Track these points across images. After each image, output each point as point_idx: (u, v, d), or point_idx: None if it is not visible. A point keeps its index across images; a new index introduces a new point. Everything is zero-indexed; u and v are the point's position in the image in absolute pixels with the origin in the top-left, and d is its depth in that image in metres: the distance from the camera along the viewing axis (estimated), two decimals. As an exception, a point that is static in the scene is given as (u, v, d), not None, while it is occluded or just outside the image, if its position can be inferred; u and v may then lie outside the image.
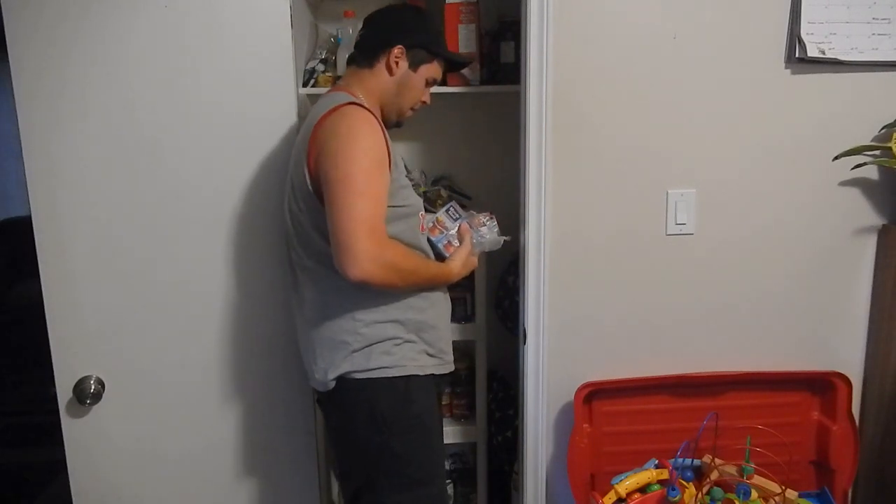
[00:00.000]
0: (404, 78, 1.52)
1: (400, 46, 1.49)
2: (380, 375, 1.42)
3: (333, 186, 1.33)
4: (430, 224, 1.58)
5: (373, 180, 1.34)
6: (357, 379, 1.42)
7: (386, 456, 1.44)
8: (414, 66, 1.53)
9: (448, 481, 2.20)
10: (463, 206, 2.12)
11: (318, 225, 1.40)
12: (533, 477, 1.74)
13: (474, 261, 1.58)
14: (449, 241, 1.56)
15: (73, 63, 1.54)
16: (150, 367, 1.68)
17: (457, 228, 1.58)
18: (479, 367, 2.09)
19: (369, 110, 1.42)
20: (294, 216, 1.47)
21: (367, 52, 1.51)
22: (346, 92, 1.48)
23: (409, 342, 1.46)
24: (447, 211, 1.59)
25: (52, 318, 1.62)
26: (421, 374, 1.47)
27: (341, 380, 1.44)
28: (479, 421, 2.13)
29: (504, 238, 1.62)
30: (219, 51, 1.59)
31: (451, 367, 1.56)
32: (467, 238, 1.56)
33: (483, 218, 1.62)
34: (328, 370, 1.44)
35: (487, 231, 1.60)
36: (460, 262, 1.52)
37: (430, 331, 1.49)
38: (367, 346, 1.42)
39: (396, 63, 1.50)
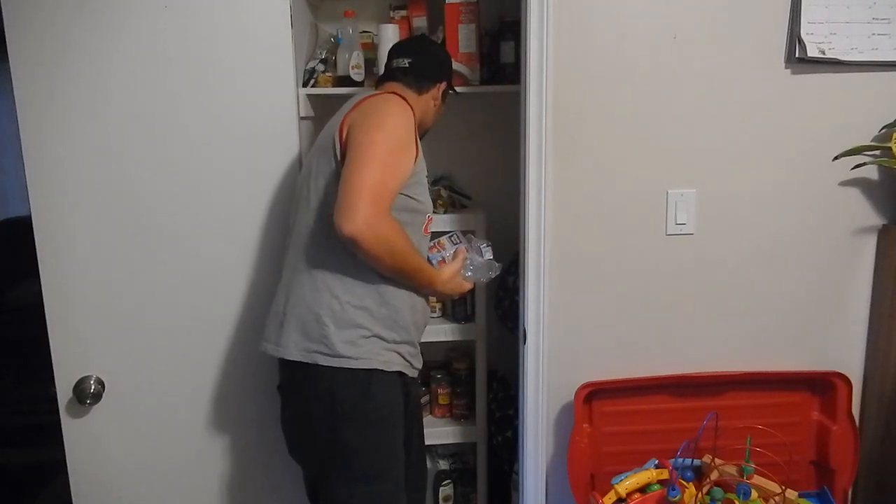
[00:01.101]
0: (438, 107, 1.73)
1: (445, 83, 1.71)
2: (342, 365, 1.42)
3: (355, 149, 1.38)
4: (432, 243, 1.64)
5: (393, 155, 1.40)
6: (321, 366, 1.42)
7: (340, 446, 1.44)
8: (444, 98, 1.74)
9: (448, 481, 2.21)
10: (463, 207, 2.14)
11: (333, 188, 1.41)
12: (533, 477, 1.74)
13: (465, 284, 1.60)
14: (444, 259, 1.62)
15: (73, 62, 1.54)
16: (150, 367, 1.69)
17: (453, 251, 1.63)
18: (479, 367, 2.09)
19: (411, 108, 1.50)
20: (308, 183, 1.49)
21: (419, 80, 1.64)
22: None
23: (377, 337, 1.45)
24: (449, 237, 1.66)
25: (52, 318, 1.62)
26: (386, 369, 1.46)
27: (304, 364, 1.44)
28: (479, 421, 2.13)
29: (497, 265, 1.66)
30: (219, 51, 1.59)
31: (416, 374, 1.58)
32: (460, 256, 1.61)
33: (481, 244, 1.67)
34: (293, 337, 1.44)
35: (481, 256, 1.64)
36: (448, 273, 1.55)
37: (401, 332, 1.49)
38: (336, 329, 1.42)
39: (440, 96, 1.70)
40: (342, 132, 1.43)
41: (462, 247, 1.64)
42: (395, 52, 1.69)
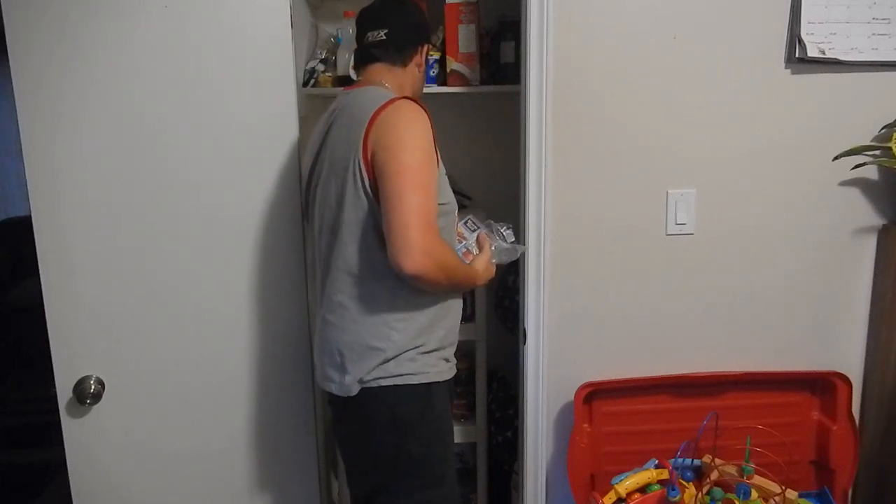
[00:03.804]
0: (423, 69, 1.63)
1: (427, 44, 1.61)
2: (404, 382, 1.41)
3: (391, 179, 1.32)
4: None
5: (428, 174, 1.35)
6: (382, 385, 1.41)
7: (404, 459, 1.43)
8: (426, 58, 1.65)
9: (450, 481, 2.21)
10: (463, 207, 2.13)
11: (370, 221, 1.38)
12: (533, 477, 1.74)
13: (493, 269, 1.57)
14: (468, 250, 1.57)
15: (73, 62, 1.54)
16: (150, 367, 1.68)
17: (475, 238, 1.57)
18: (479, 367, 2.09)
19: (420, 105, 1.43)
20: (337, 213, 1.43)
21: (402, 51, 1.55)
22: (384, 88, 1.49)
23: (434, 350, 1.45)
24: (465, 223, 1.60)
25: (52, 318, 1.62)
26: (440, 379, 1.46)
27: (366, 386, 1.43)
28: (479, 421, 2.13)
29: (521, 247, 1.62)
30: (219, 50, 1.59)
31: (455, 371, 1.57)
32: (486, 245, 1.55)
33: (501, 227, 1.61)
34: (357, 376, 1.42)
35: (504, 240, 1.60)
36: (482, 266, 1.52)
37: (450, 337, 1.50)
38: (397, 354, 1.41)
39: (424, 59, 1.61)
40: (366, 157, 1.36)
41: (482, 232, 1.58)
42: (367, 22, 1.56)
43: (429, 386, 1.44)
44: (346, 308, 1.44)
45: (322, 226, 1.48)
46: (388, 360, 1.41)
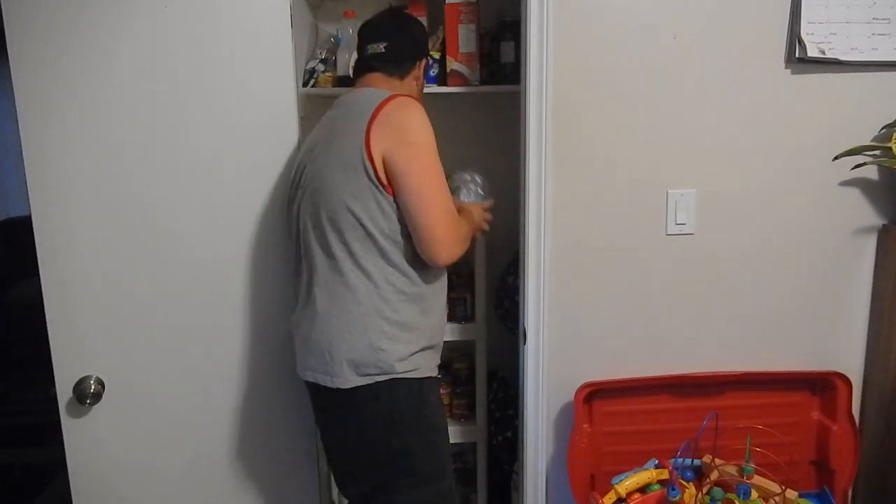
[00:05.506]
0: (421, 82, 1.71)
1: (424, 59, 1.69)
2: (399, 376, 1.43)
3: (416, 177, 1.40)
4: None
5: (438, 167, 1.45)
6: (379, 383, 1.43)
7: (402, 456, 1.45)
8: (424, 70, 1.72)
9: (449, 481, 2.21)
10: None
11: (380, 216, 1.41)
12: (533, 477, 1.74)
13: (478, 211, 1.70)
14: None
15: (73, 62, 1.54)
16: (150, 367, 1.69)
17: None
18: (479, 367, 2.09)
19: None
20: (323, 197, 1.43)
21: (401, 64, 1.60)
22: (382, 90, 1.52)
23: (425, 349, 1.48)
24: None
25: (52, 318, 1.62)
26: (432, 375, 1.50)
27: (361, 381, 1.43)
28: (479, 421, 2.13)
29: (478, 177, 1.81)
30: (219, 51, 1.59)
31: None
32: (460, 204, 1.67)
33: (466, 175, 1.78)
34: (351, 369, 1.43)
35: (472, 182, 1.78)
36: (476, 213, 1.68)
37: (437, 336, 1.54)
38: (392, 350, 1.43)
39: (422, 72, 1.69)
40: (370, 151, 1.38)
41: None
42: (368, 34, 1.61)
43: (421, 382, 1.47)
44: (337, 297, 1.45)
45: (317, 218, 1.46)
46: (381, 351, 1.42)
